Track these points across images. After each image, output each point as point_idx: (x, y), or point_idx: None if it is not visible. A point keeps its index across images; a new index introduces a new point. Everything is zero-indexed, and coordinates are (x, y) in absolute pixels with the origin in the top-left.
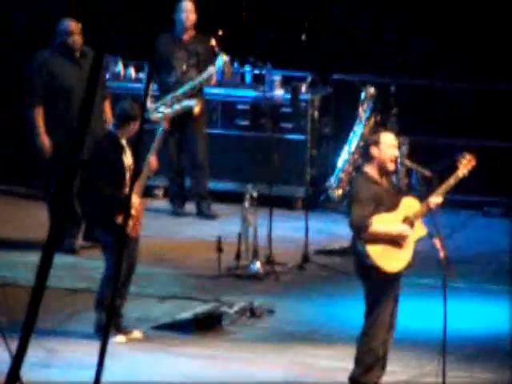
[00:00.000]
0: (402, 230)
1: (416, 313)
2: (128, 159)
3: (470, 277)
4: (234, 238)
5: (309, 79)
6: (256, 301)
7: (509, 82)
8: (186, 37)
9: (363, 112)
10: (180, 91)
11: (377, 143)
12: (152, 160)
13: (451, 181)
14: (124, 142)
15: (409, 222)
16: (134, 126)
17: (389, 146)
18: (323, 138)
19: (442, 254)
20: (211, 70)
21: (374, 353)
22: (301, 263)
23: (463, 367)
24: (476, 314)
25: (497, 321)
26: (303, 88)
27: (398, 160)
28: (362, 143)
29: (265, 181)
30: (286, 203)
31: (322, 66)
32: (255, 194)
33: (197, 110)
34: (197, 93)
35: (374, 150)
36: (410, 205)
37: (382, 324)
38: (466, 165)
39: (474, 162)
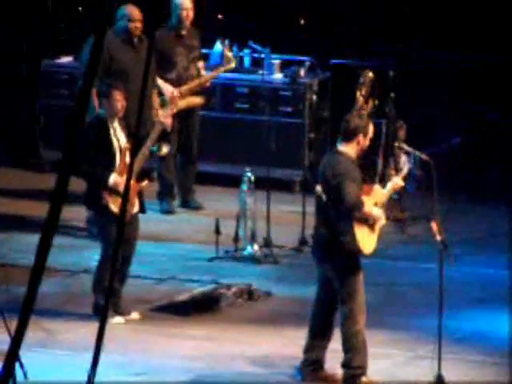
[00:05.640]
0: (380, 215)
1: (413, 296)
2: (117, 140)
3: (466, 260)
4: (231, 220)
5: (307, 63)
6: (254, 283)
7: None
8: (184, 32)
9: (361, 96)
10: (183, 88)
11: (366, 134)
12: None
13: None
14: (111, 123)
15: (378, 207)
16: (113, 103)
17: (370, 137)
18: (321, 121)
19: (438, 238)
20: (213, 73)
21: (360, 335)
22: (298, 246)
23: (459, 349)
24: (473, 297)
25: (494, 304)
26: (302, 72)
27: (396, 144)
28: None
29: (263, 164)
30: (284, 186)
31: (320, 50)
32: (253, 177)
33: (199, 104)
34: (199, 89)
35: (361, 138)
36: (379, 192)
37: (361, 305)
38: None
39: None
